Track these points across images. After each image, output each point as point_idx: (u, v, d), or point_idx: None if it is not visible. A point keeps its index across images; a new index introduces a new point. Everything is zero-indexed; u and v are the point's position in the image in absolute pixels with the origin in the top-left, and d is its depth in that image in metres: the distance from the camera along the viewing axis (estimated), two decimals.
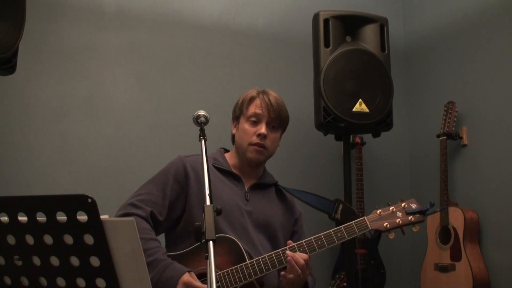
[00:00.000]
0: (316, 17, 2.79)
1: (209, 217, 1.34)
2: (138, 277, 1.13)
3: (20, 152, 2.69)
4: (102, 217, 1.09)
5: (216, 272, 1.83)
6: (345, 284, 2.95)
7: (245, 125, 2.02)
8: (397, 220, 1.88)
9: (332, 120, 2.66)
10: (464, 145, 3.10)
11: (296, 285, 1.81)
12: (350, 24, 2.81)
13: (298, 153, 3.27)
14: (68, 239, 1.09)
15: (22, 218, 1.10)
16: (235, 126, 2.11)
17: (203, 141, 1.63)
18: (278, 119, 2.03)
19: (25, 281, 1.14)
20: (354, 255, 2.87)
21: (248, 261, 1.80)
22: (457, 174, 3.13)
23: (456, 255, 2.84)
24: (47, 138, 2.76)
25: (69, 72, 2.84)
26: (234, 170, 2.05)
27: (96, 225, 1.08)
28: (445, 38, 3.33)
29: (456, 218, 2.88)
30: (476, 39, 3.09)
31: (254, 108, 2.02)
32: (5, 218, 1.11)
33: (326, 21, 2.75)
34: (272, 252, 1.83)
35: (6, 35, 1.99)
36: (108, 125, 2.89)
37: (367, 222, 1.87)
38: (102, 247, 1.09)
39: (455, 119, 3.03)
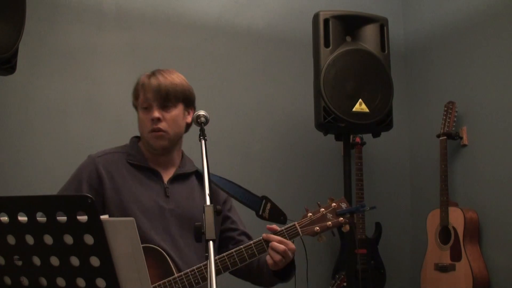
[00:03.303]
0: (316, 17, 2.79)
1: (209, 217, 1.34)
2: (138, 277, 1.13)
3: (20, 152, 2.69)
4: (102, 217, 1.09)
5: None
6: (345, 284, 2.95)
7: (140, 114, 1.91)
8: (328, 223, 1.80)
9: (332, 120, 2.66)
10: (464, 145, 3.10)
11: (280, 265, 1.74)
12: (350, 24, 2.81)
13: (298, 153, 3.26)
14: (68, 239, 1.09)
15: (22, 218, 1.10)
16: None
17: (203, 141, 1.61)
18: (170, 97, 1.88)
19: (25, 281, 1.14)
20: (354, 255, 2.87)
21: (176, 275, 1.72)
22: (457, 174, 3.13)
23: (456, 255, 2.84)
24: (47, 138, 2.76)
25: (69, 72, 2.84)
26: (150, 164, 1.92)
27: (96, 225, 1.08)
28: (445, 38, 3.33)
29: (456, 218, 2.88)
30: (476, 39, 3.09)
31: (144, 94, 1.89)
32: (5, 218, 1.11)
33: (326, 21, 2.75)
34: (201, 264, 1.72)
35: (6, 35, 1.99)
36: (108, 125, 2.89)
37: (298, 229, 1.78)
38: (102, 247, 1.09)
39: (455, 119, 3.03)
